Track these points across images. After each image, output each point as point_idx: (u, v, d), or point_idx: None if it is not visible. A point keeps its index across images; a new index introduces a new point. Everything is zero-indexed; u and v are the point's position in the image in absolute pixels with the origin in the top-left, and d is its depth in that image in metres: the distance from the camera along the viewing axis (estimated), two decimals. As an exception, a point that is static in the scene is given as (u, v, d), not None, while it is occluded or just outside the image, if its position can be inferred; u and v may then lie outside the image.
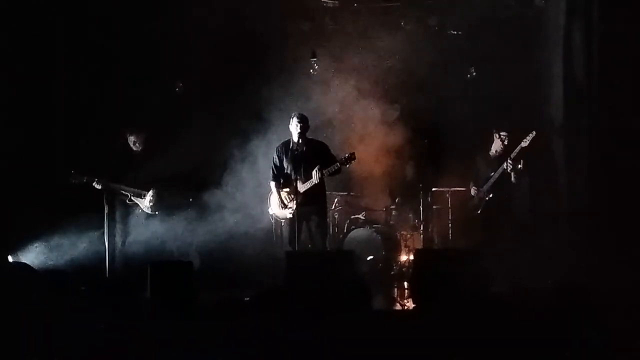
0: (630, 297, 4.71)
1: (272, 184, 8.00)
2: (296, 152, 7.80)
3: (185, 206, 8.42)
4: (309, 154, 7.81)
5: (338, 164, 7.70)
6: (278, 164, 7.95)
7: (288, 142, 7.93)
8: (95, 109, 8.74)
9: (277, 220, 8.26)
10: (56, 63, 8.68)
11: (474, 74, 9.25)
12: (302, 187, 7.70)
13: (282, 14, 9.37)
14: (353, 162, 7.74)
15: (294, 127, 7.79)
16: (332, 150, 8.04)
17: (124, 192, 8.08)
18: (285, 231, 8.10)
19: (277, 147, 8.02)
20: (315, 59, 9.35)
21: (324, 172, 7.67)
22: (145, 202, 8.15)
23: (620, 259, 6.58)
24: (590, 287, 4.69)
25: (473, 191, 8.58)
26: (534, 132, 8.00)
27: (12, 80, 8.18)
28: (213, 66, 9.16)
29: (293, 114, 7.89)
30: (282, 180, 7.95)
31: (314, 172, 7.66)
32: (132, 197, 8.13)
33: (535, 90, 9.10)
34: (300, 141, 7.78)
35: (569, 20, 8.52)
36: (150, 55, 8.88)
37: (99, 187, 7.87)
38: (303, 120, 7.79)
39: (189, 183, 8.55)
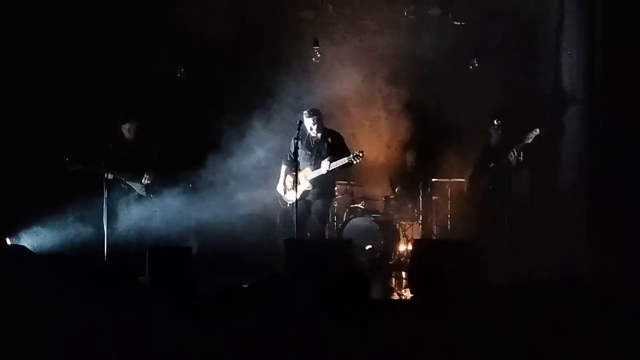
0: (629, 290, 4.73)
1: (283, 167, 8.21)
2: (311, 141, 7.98)
3: (183, 191, 8.43)
4: (324, 143, 8.00)
5: (346, 159, 7.78)
6: (293, 150, 7.94)
7: (306, 129, 8.03)
8: (93, 95, 8.75)
9: (282, 202, 8.34)
10: (53, 51, 8.69)
11: (476, 64, 9.23)
12: (310, 175, 7.92)
13: (285, 2, 9.35)
14: (361, 159, 7.80)
15: (309, 123, 7.95)
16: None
17: (119, 177, 8.10)
18: (284, 217, 8.24)
19: (295, 134, 7.91)
20: (317, 47, 9.33)
21: (331, 164, 7.80)
22: (140, 186, 8.18)
23: (620, 253, 6.58)
24: (589, 281, 4.70)
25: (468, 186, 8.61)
26: (538, 130, 8.02)
27: (11, 67, 8.19)
28: (215, 53, 9.17)
29: (304, 111, 8.01)
30: (294, 165, 7.93)
31: (323, 163, 7.80)
32: (126, 181, 8.16)
33: (537, 82, 9.09)
34: (316, 132, 7.94)
35: (571, 12, 8.50)
36: (150, 42, 8.89)
37: (110, 177, 7.90)
38: (315, 114, 7.97)
39: (188, 168, 8.55)
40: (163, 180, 8.29)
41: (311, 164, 7.95)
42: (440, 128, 9.35)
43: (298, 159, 7.90)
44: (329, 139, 8.04)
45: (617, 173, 7.46)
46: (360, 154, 7.74)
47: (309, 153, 7.94)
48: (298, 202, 7.68)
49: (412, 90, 9.46)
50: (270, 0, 9.28)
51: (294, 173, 7.87)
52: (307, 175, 7.90)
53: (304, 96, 8.90)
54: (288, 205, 8.23)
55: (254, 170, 8.57)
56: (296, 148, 7.59)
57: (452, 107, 9.14)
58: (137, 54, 8.83)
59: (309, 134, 8.01)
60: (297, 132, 7.69)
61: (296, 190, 7.66)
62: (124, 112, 8.44)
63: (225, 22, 8.80)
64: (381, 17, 9.49)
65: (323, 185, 8.04)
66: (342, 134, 8.28)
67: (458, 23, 9.45)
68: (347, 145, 8.15)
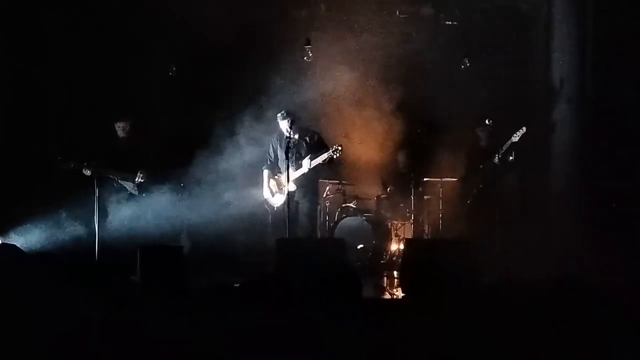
0: (618, 289, 4.74)
1: (265, 172, 8.23)
2: (289, 142, 7.91)
3: (175, 190, 8.41)
4: (302, 143, 8.02)
5: (325, 154, 7.82)
6: (272, 153, 8.23)
7: (283, 132, 8.06)
8: (85, 94, 8.73)
9: (269, 206, 8.35)
10: (47, 50, 8.65)
11: (468, 64, 9.24)
12: (293, 175, 7.86)
13: (278, 1, 9.34)
14: (340, 152, 7.81)
15: (285, 125, 7.95)
16: (325, 138, 8.21)
17: (111, 176, 8.07)
18: (275, 217, 8.26)
19: (273, 137, 8.25)
20: (309, 46, 9.32)
21: (312, 162, 7.83)
22: (132, 185, 8.15)
23: (612, 252, 6.60)
24: (581, 280, 4.71)
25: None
26: (524, 128, 8.07)
27: (4, 66, 8.15)
28: (208, 52, 9.16)
29: (277, 114, 8.05)
30: (275, 168, 8.21)
31: (304, 162, 7.83)
32: (119, 180, 8.13)
33: (528, 81, 9.13)
34: (292, 133, 7.89)
35: (562, 12, 8.52)
36: (144, 41, 8.86)
37: (88, 173, 7.85)
38: (289, 115, 7.96)
39: (180, 167, 8.53)
40: (155, 180, 8.27)
41: (292, 165, 7.93)
42: (432, 127, 9.35)
43: (279, 163, 8.18)
44: (307, 139, 8.11)
45: (608, 171, 7.49)
46: (339, 148, 7.77)
47: (289, 155, 7.89)
48: (285, 204, 7.75)
49: (404, 90, 9.46)
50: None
51: (276, 177, 8.10)
52: (290, 177, 7.85)
53: (296, 95, 8.89)
54: (275, 209, 8.28)
55: (245, 170, 8.57)
56: (287, 147, 7.59)
57: (444, 106, 9.14)
58: (131, 53, 8.81)
59: (286, 135, 8.00)
60: (289, 132, 7.70)
61: (287, 191, 7.68)
62: (117, 111, 8.41)
63: (218, 21, 8.77)
64: (373, 17, 9.49)
65: (307, 184, 8.11)
66: (319, 132, 8.32)
67: (450, 22, 9.47)
68: (325, 141, 8.17)
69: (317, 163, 7.88)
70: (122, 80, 8.72)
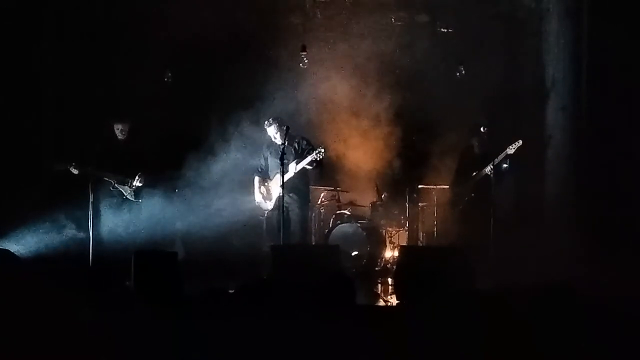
0: (612, 296, 4.76)
1: (256, 178, 8.38)
2: (279, 149, 7.94)
3: (171, 195, 8.40)
4: (290, 149, 8.07)
5: (309, 157, 7.93)
6: (263, 162, 8.39)
7: (271, 140, 8.21)
8: (82, 98, 8.72)
9: (261, 212, 8.46)
10: (43, 52, 8.65)
11: (463, 72, 9.27)
12: (279, 180, 7.83)
13: (273, 7, 9.36)
14: (322, 155, 7.91)
15: (272, 132, 8.11)
16: (312, 142, 8.31)
17: (107, 180, 8.05)
18: (268, 223, 8.39)
19: (264, 145, 8.36)
20: (305, 53, 9.34)
21: (297, 166, 7.98)
22: (129, 189, 8.13)
23: (604, 259, 6.62)
24: (575, 287, 4.72)
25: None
26: (520, 141, 8.09)
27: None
28: (205, 58, 9.17)
29: (266, 122, 8.15)
30: (265, 175, 8.36)
31: (290, 166, 7.95)
32: (115, 184, 8.11)
33: (523, 89, 9.16)
34: (282, 140, 7.90)
35: (558, 21, 8.56)
36: (139, 46, 8.87)
37: (75, 172, 7.82)
38: (276, 121, 8.10)
39: (177, 172, 8.53)
40: (151, 185, 8.26)
41: (280, 171, 7.90)
42: (427, 134, 9.38)
43: (269, 171, 8.30)
44: (295, 144, 8.21)
45: (603, 178, 7.51)
46: (322, 150, 7.88)
47: (278, 160, 7.92)
48: (276, 209, 7.91)
49: (400, 97, 9.47)
50: (258, 5, 9.28)
51: (266, 184, 8.29)
52: (278, 182, 7.87)
53: (292, 101, 8.92)
54: (266, 214, 8.41)
55: (240, 175, 8.58)
56: (282, 153, 7.61)
57: (439, 113, 9.17)
58: (130, 55, 8.81)
59: (275, 142, 8.12)
60: (285, 136, 7.71)
61: (280, 197, 7.68)
62: (116, 113, 8.40)
63: (215, 27, 8.80)
64: (369, 24, 9.52)
65: (297, 189, 8.17)
66: (307, 137, 8.37)
67: (445, 30, 9.50)
68: (313, 145, 8.23)
69: (302, 166, 7.99)
70: (121, 83, 8.72)
